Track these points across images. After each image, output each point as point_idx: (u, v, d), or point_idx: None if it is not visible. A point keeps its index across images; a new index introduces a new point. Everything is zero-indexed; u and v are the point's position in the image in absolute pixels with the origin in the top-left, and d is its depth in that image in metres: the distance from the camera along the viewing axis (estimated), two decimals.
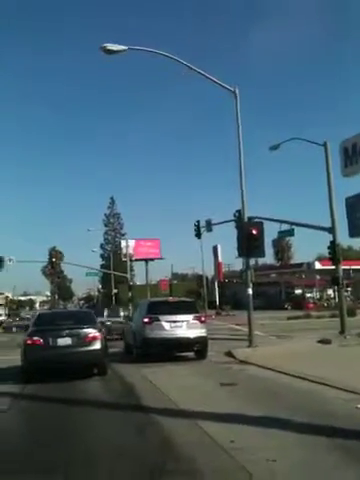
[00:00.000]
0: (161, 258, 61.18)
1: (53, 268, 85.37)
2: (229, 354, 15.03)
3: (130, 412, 7.71)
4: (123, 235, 75.94)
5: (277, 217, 23.67)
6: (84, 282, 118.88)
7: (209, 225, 31.39)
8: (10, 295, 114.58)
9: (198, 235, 31.02)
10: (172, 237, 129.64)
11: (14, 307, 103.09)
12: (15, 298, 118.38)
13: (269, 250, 72.93)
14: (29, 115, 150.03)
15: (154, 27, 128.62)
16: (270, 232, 22.80)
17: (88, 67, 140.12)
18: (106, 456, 5.34)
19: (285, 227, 24.68)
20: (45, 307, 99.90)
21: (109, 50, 16.43)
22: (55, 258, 71.12)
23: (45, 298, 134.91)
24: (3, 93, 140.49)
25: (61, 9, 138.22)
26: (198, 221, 30.53)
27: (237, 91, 17.85)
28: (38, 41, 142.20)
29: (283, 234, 26.79)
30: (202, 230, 31.00)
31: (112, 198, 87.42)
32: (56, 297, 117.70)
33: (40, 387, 10.33)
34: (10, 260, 41.93)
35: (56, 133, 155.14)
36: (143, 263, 59.05)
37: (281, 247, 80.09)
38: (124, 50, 16.68)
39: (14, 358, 13.68)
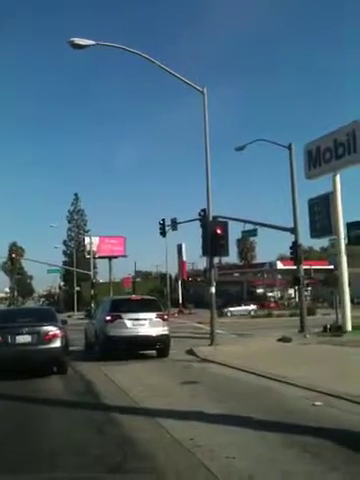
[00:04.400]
0: (125, 256, 60.93)
1: (13, 264, 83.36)
2: (191, 352, 15.10)
3: (90, 411, 7.62)
4: (87, 232, 75.17)
5: (241, 217, 23.97)
6: (45, 279, 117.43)
7: (174, 224, 31.46)
8: None
9: (163, 233, 31.07)
10: (137, 235, 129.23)
11: None
12: None
13: (233, 250, 73.86)
14: None
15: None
16: (234, 232, 23.06)
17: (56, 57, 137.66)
18: (65, 455, 5.26)
19: (249, 227, 25.03)
20: (1, 304, 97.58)
21: (77, 44, 16.19)
22: (15, 254, 69.37)
23: (4, 295, 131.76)
24: None
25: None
26: (163, 220, 30.60)
27: (205, 91, 17.94)
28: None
29: (247, 234, 27.18)
30: (167, 229, 31.05)
31: (76, 194, 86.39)
32: (16, 294, 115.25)
33: None
34: None
35: (22, 120, 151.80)
36: (107, 260, 58.64)
37: (245, 247, 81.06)
38: (92, 45, 16.46)
39: None
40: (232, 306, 49.70)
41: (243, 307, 49.72)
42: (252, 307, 49.12)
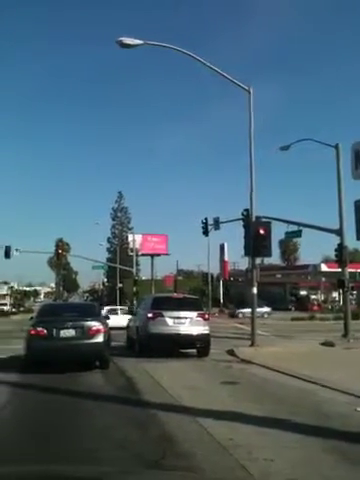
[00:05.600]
0: (167, 254, 61.25)
1: (59, 260, 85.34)
2: (231, 353, 15.05)
3: (130, 406, 7.74)
4: (130, 229, 76.03)
5: (285, 218, 23.64)
6: (89, 275, 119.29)
7: (217, 223, 31.35)
8: (15, 285, 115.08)
9: (205, 233, 31.01)
10: (179, 233, 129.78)
11: (19, 297, 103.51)
12: (20, 288, 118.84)
13: (276, 251, 72.90)
14: (42, 107, 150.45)
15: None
16: (277, 232, 22.78)
17: (99, 60, 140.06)
18: (104, 449, 5.38)
19: (293, 228, 24.63)
20: (47, 299, 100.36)
21: (125, 44, 16.44)
22: (61, 250, 70.99)
23: (50, 289, 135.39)
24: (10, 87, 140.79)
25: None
26: (206, 219, 30.53)
27: (251, 90, 17.79)
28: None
29: (290, 235, 26.73)
30: (210, 228, 30.99)
31: (120, 192, 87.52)
32: (61, 289, 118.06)
33: (41, 377, 10.38)
34: (17, 250, 42.12)
35: (66, 126, 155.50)
36: (149, 258, 59.18)
37: (288, 248, 79.89)
38: (140, 44, 16.67)
39: (16, 347, 13.79)
40: (244, 308, 48.30)
41: (257, 309, 47.98)
42: (265, 309, 46.72)
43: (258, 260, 23.49)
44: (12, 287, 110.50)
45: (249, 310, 46.07)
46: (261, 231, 16.99)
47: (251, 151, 17.75)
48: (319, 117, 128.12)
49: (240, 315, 45.77)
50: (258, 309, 47.55)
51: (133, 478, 2.55)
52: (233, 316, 46.91)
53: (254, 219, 17.74)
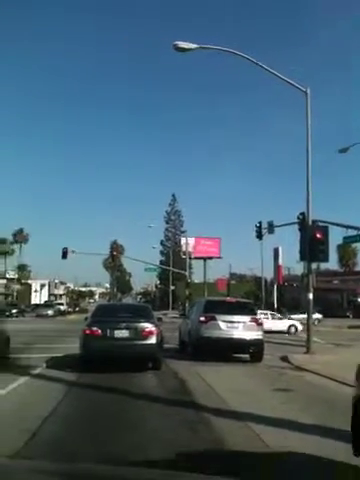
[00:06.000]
0: (220, 257, 61.01)
1: (113, 261, 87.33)
2: (285, 359, 14.75)
3: (182, 408, 7.73)
4: (183, 232, 76.43)
5: (344, 222, 22.92)
6: (143, 277, 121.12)
7: (271, 227, 30.86)
8: (72, 285, 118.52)
9: (259, 236, 30.58)
10: (232, 237, 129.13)
11: (74, 297, 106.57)
12: (76, 289, 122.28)
13: (333, 256, 70.92)
14: (98, 113, 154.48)
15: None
16: (335, 237, 22.14)
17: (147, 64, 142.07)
18: (153, 450, 5.40)
19: (351, 233, 23.84)
20: (102, 299, 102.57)
21: (181, 48, 16.63)
22: (116, 251, 72.67)
23: (104, 290, 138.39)
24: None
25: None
26: (260, 222, 30.10)
27: (308, 91, 17.44)
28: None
29: (349, 240, 25.89)
30: (264, 231, 30.58)
31: (174, 195, 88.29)
32: (115, 290, 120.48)
33: (96, 377, 10.56)
34: (73, 251, 43.34)
35: (118, 130, 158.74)
36: (202, 261, 59.16)
37: (346, 253, 77.50)
38: (195, 48, 16.79)
39: (70, 346, 14.17)
40: (292, 312, 46.46)
41: (302, 315, 46.39)
42: (317, 316, 44.26)
43: (314, 265, 22.95)
44: (68, 287, 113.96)
45: (299, 316, 45.25)
46: (318, 235, 16.57)
47: (308, 153, 17.37)
48: None
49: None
50: (303, 315, 46.40)
51: None
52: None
53: (310, 223, 17.33)
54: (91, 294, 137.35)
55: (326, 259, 18.18)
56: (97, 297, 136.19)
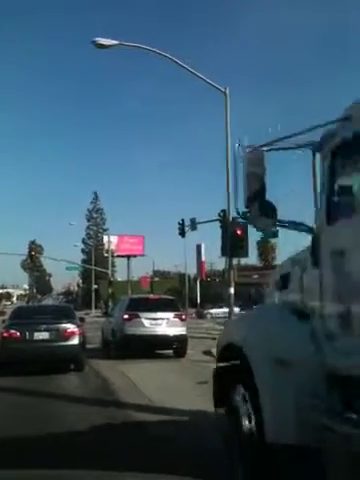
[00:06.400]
0: (143, 255, 61.09)
1: (32, 262, 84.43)
2: (208, 353, 15.04)
3: (105, 407, 7.65)
4: (105, 230, 75.68)
5: None
6: (64, 276, 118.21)
7: (194, 224, 31.34)
8: None
9: (182, 233, 30.94)
10: (156, 234, 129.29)
11: None
12: None
13: (254, 251, 73.40)
14: (29, 105, 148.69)
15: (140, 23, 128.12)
16: (254, 233, 22.92)
17: (79, 61, 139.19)
18: (78, 450, 5.28)
19: None
20: (20, 301, 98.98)
21: (100, 44, 16.34)
22: (34, 252, 70.37)
23: (23, 292, 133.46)
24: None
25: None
26: (182, 219, 30.44)
27: (227, 91, 17.85)
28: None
29: (267, 236, 26.91)
30: (186, 229, 30.99)
31: (96, 193, 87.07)
32: (34, 291, 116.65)
33: (15, 380, 10.19)
34: None
35: (38, 122, 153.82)
36: (125, 259, 58.92)
37: (265, 249, 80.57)
38: (115, 45, 16.58)
39: None
40: (212, 308, 47.70)
41: (224, 309, 47.79)
42: (238, 309, 46.05)
43: (235, 261, 23.61)
44: None
45: (218, 310, 46.26)
46: (238, 232, 17.04)
47: (227, 152, 17.80)
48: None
49: (208, 316, 45.51)
50: (224, 309, 47.84)
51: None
52: (201, 317, 46.32)
53: (231, 220, 17.80)
54: (8, 296, 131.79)
55: (246, 254, 18.75)
56: (15, 299, 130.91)
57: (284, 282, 4.32)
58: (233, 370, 4.20)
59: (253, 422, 3.65)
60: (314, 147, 3.58)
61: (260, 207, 3.68)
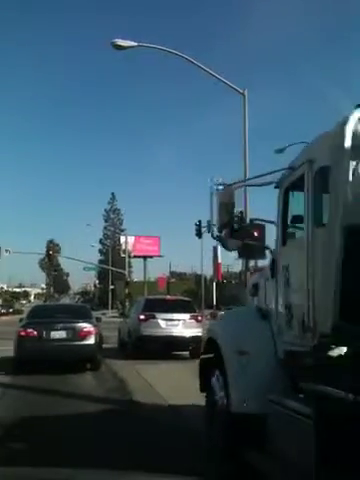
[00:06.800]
0: (160, 256, 61.13)
1: (50, 261, 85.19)
2: None
3: (121, 407, 7.70)
4: (122, 231, 75.96)
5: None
6: (81, 276, 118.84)
7: (210, 225, 31.32)
8: (5, 286, 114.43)
9: (199, 234, 30.94)
10: (172, 235, 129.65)
11: (8, 298, 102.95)
12: (10, 289, 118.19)
13: None
14: (31, 107, 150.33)
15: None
16: (272, 234, 22.72)
17: (94, 62, 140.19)
18: (96, 451, 5.30)
19: None
20: (38, 300, 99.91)
21: (119, 46, 16.39)
22: (52, 251, 70.99)
23: (40, 290, 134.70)
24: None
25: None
26: (199, 220, 30.45)
27: (246, 93, 17.75)
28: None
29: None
30: (203, 230, 30.93)
31: (113, 193, 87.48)
32: (52, 290, 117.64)
33: (32, 379, 10.26)
34: (7, 251, 41.83)
35: (57, 124, 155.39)
36: (141, 260, 59.04)
37: None
38: (134, 46, 16.62)
39: (4, 349, 13.65)
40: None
41: None
42: None
43: (252, 262, 23.48)
44: (1, 288, 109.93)
45: None
46: (255, 233, 16.92)
47: (246, 153, 17.70)
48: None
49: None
50: None
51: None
52: (215, 318, 46.43)
53: (248, 221, 17.68)
54: (26, 295, 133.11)
55: (263, 257, 18.59)
56: (32, 298, 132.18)
57: (255, 289, 5.47)
58: (211, 359, 5.25)
59: (222, 395, 4.76)
60: (276, 185, 4.65)
61: (229, 232, 4.84)
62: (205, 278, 59.67)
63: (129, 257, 52.82)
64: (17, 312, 62.09)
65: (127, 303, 39.15)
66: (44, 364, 11.09)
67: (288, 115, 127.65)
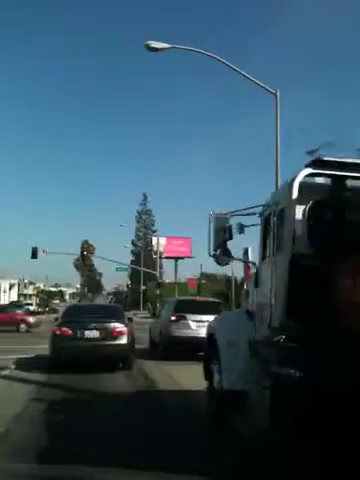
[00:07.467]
0: (191, 257, 61.18)
1: (84, 261, 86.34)
2: None
3: (153, 409, 7.81)
4: (154, 232, 76.42)
5: None
6: (114, 277, 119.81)
7: (241, 227, 31.26)
8: (42, 286, 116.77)
9: (240, 230, 30.89)
10: (203, 236, 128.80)
11: (44, 298, 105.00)
12: (46, 289, 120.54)
13: None
14: (61, 114, 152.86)
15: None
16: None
17: (126, 62, 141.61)
18: (124, 448, 5.45)
19: None
20: (73, 300, 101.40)
21: (152, 48, 16.57)
22: (86, 251, 71.91)
23: (75, 290, 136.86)
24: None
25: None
26: (230, 222, 30.47)
27: (278, 93, 17.67)
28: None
29: None
30: (234, 232, 30.90)
31: (145, 194, 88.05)
32: (85, 290, 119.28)
33: (66, 377, 10.51)
34: (44, 251, 42.74)
35: (89, 131, 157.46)
36: (173, 261, 59.26)
37: None
38: (167, 48, 16.79)
39: (40, 347, 14.04)
40: None
41: None
42: None
43: None
44: (38, 287, 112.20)
45: None
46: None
47: (277, 155, 17.62)
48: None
49: None
50: None
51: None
52: None
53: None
54: (61, 294, 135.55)
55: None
56: (67, 297, 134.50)
57: (246, 295, 6.73)
58: (211, 348, 6.93)
59: (218, 378, 6.41)
60: (259, 215, 6.06)
61: (222, 251, 6.02)
62: (235, 280, 59.45)
63: (160, 258, 53.12)
64: (53, 311, 63.28)
65: (158, 304, 39.38)
66: (78, 363, 11.30)
67: (323, 115, 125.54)
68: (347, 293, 4.33)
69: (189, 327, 14.33)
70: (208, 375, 7.11)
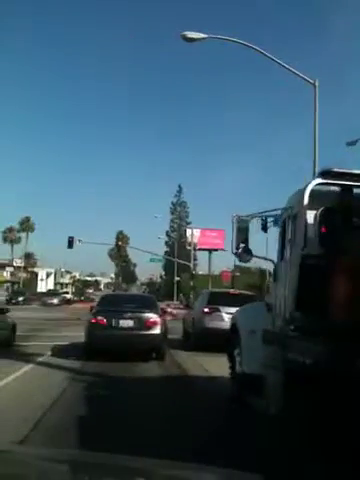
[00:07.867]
0: (224, 249, 60.89)
1: (119, 251, 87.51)
2: None
3: (185, 399, 7.87)
4: (188, 224, 76.47)
5: None
6: (147, 267, 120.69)
7: (276, 220, 30.91)
8: (77, 275, 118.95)
9: (264, 229, 30.60)
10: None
11: (80, 287, 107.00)
12: (82, 278, 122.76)
13: None
14: (105, 110, 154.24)
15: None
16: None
17: (161, 55, 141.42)
18: (158, 441, 5.52)
19: None
20: (108, 290, 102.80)
21: (189, 38, 16.49)
22: (121, 242, 72.87)
23: (109, 280, 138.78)
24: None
25: None
26: (265, 215, 30.16)
27: (317, 83, 17.30)
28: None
29: None
30: (269, 224, 30.59)
31: (180, 186, 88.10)
32: (120, 280, 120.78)
33: (100, 365, 10.69)
34: (79, 241, 43.49)
35: (125, 124, 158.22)
36: (206, 253, 59.19)
37: None
38: (204, 38, 16.67)
39: (75, 335, 14.31)
40: None
41: None
42: None
43: None
44: (74, 276, 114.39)
45: None
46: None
47: (316, 147, 17.28)
48: None
49: None
50: None
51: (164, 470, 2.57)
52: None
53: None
54: (96, 284, 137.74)
55: None
56: (102, 287, 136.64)
57: (267, 289, 7.47)
58: (234, 337, 7.68)
59: (239, 364, 7.19)
60: (279, 217, 6.58)
61: (243, 249, 6.47)
62: (269, 272, 58.86)
63: (194, 250, 53.17)
64: (88, 300, 64.45)
65: (191, 295, 39.46)
66: (112, 351, 11.46)
67: None
68: (351, 290, 4.67)
69: (222, 319, 14.29)
70: (231, 361, 7.82)
